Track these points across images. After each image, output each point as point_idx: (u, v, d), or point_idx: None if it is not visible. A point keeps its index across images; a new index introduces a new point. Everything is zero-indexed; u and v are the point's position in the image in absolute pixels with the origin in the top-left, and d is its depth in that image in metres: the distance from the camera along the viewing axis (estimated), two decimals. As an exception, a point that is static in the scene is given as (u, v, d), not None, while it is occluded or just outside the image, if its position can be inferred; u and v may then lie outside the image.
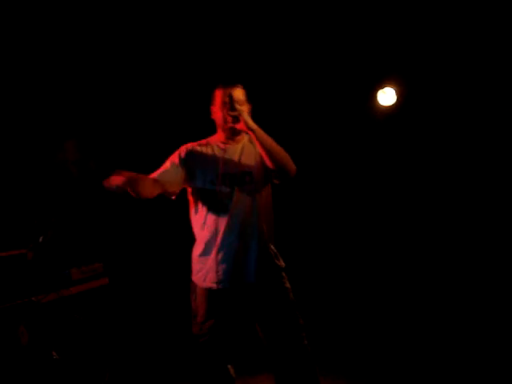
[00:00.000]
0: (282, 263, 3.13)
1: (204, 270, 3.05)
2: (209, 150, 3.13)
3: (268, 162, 2.99)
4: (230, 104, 3.04)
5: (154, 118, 5.39)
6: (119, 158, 4.98)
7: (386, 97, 5.62)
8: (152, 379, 4.44)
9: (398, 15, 5.07)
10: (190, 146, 3.15)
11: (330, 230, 5.89)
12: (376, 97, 5.64)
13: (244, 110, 3.04)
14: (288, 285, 3.11)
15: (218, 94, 3.12)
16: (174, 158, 3.10)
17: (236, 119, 3.02)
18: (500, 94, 5.25)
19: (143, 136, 5.35)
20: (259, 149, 3.00)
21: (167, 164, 3.10)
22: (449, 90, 5.47)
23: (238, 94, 3.11)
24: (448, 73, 5.40)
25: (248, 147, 3.14)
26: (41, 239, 3.83)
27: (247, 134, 3.08)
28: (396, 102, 5.59)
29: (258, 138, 2.97)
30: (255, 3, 4.93)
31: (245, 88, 3.17)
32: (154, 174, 3.05)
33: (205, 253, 3.06)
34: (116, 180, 2.83)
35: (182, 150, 3.13)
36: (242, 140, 3.16)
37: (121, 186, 2.80)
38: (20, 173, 4.72)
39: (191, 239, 3.17)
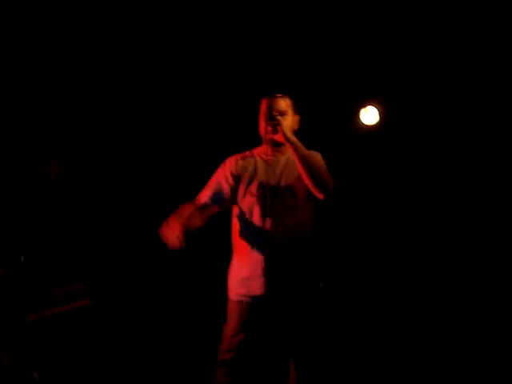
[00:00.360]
0: (321, 284, 3.09)
1: (238, 282, 3.03)
2: (252, 162, 3.10)
3: (303, 176, 2.95)
4: (269, 113, 3.02)
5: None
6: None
7: (369, 116, 5.64)
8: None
9: (380, 34, 5.12)
10: (234, 159, 3.13)
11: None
12: (359, 115, 5.66)
13: (283, 120, 3.00)
14: (323, 309, 3.06)
15: (262, 105, 3.12)
16: (226, 176, 3.08)
17: (274, 129, 2.99)
18: (484, 110, 5.30)
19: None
20: (296, 161, 2.95)
21: (220, 184, 3.07)
22: (432, 107, 5.52)
23: (279, 103, 3.07)
24: (432, 90, 5.45)
25: (293, 161, 3.06)
26: (22, 259, 3.79)
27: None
28: (379, 121, 5.61)
29: (295, 150, 2.92)
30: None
31: (294, 98, 3.17)
32: (206, 199, 3.04)
33: (241, 266, 3.04)
34: (172, 232, 2.80)
35: (231, 164, 3.10)
36: (286, 153, 3.11)
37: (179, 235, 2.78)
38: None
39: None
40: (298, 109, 3.21)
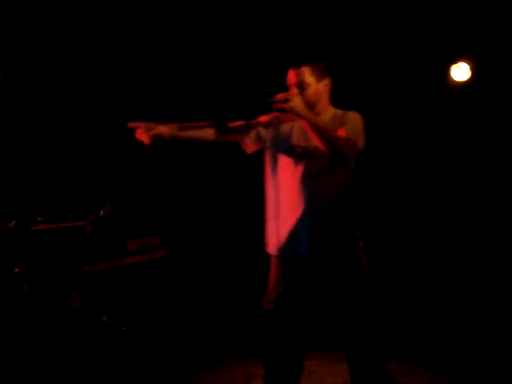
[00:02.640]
0: (361, 242, 3.10)
1: (275, 239, 3.08)
2: (289, 123, 3.15)
3: (321, 147, 2.96)
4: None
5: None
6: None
7: (460, 72, 5.42)
8: (203, 355, 4.54)
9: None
10: (271, 115, 3.17)
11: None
12: (450, 72, 5.45)
13: (292, 97, 2.96)
14: (364, 265, 3.07)
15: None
16: (257, 121, 3.16)
17: (284, 101, 2.96)
18: None
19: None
20: (309, 135, 2.97)
21: (249, 123, 3.16)
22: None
23: (289, 77, 3.10)
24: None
25: (329, 122, 3.09)
26: (101, 213, 3.99)
27: (332, 109, 3.13)
28: (470, 77, 5.38)
29: (309, 124, 2.92)
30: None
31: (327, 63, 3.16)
32: (238, 124, 3.14)
33: (272, 218, 3.10)
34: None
35: (264, 116, 3.17)
36: (320, 114, 3.12)
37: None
38: (83, 147, 4.93)
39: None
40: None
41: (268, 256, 3.16)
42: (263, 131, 3.15)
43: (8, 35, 4.65)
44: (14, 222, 3.50)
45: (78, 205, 4.05)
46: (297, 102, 2.94)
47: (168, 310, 4.15)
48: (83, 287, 3.59)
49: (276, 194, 3.08)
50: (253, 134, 3.15)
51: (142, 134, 2.91)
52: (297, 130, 3.10)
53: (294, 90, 3.07)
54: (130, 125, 2.94)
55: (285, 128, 3.14)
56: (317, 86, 3.09)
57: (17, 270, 3.47)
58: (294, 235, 3.02)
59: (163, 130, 2.96)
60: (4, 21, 4.60)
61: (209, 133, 3.09)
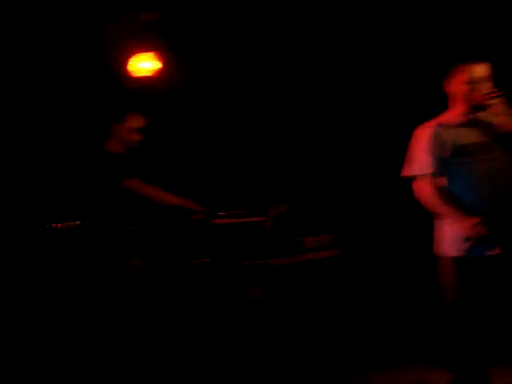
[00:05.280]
0: None
1: (451, 237, 3.13)
2: (450, 124, 3.22)
3: None
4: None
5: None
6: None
7: None
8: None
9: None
10: (431, 126, 3.25)
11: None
12: None
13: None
14: None
15: (463, 71, 3.21)
16: (431, 145, 3.19)
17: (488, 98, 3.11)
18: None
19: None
20: None
21: (431, 152, 3.18)
22: None
23: (487, 70, 3.20)
24: None
25: (490, 117, 3.19)
26: (283, 209, 4.13)
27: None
28: None
29: None
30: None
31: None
32: (429, 180, 3.19)
33: (454, 220, 3.12)
34: None
35: (431, 134, 3.20)
36: (481, 112, 3.21)
37: None
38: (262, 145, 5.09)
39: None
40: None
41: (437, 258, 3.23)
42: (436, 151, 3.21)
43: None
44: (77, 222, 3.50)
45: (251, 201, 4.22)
46: None
47: (338, 307, 4.18)
48: (265, 280, 3.73)
49: (456, 198, 3.12)
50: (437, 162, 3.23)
51: None
52: (463, 132, 3.17)
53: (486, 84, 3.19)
54: None
55: (450, 135, 3.21)
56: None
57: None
58: (486, 235, 3.02)
59: None
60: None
61: None
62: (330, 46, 5.13)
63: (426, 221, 3.40)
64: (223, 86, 5.15)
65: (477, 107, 3.18)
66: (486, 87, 3.15)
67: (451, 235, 3.15)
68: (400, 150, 3.41)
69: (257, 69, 5.19)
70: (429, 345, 4.58)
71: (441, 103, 3.38)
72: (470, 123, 3.20)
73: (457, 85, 3.21)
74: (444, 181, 3.19)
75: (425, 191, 3.20)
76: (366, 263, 5.10)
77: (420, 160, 3.21)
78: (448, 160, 3.15)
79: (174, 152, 5.19)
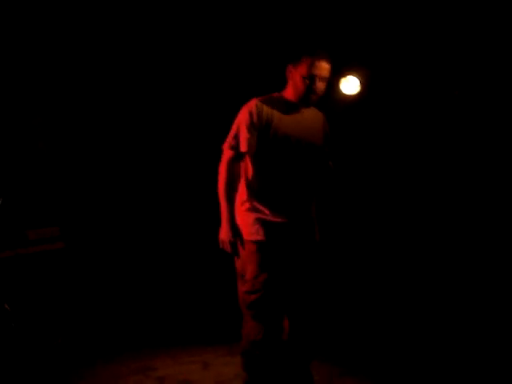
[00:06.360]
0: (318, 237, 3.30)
1: (253, 223, 3.12)
2: (278, 109, 3.16)
3: None
4: (313, 78, 3.10)
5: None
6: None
7: (350, 85, 5.63)
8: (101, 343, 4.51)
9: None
10: (255, 104, 3.14)
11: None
12: (339, 85, 5.65)
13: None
14: (322, 257, 3.29)
15: (307, 63, 3.11)
16: (253, 122, 3.10)
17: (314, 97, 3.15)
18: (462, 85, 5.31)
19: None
20: None
21: (247, 130, 3.10)
22: (412, 79, 5.53)
23: (327, 69, 3.16)
24: (412, 62, 5.46)
25: (313, 117, 3.28)
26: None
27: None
28: (360, 92, 5.60)
29: None
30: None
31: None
32: (245, 147, 3.09)
33: (256, 206, 3.14)
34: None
35: (256, 110, 3.11)
36: (308, 109, 3.26)
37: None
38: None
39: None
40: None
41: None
42: (255, 129, 3.13)
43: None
44: None
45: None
46: None
47: (67, 301, 4.10)
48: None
49: (264, 184, 3.14)
50: (253, 140, 3.14)
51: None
52: (287, 120, 3.16)
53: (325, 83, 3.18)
54: None
55: (274, 117, 3.15)
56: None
57: None
58: (282, 220, 3.13)
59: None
60: None
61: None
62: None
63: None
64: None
65: (304, 102, 3.19)
66: (321, 86, 3.15)
67: (246, 220, 3.17)
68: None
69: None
70: (154, 332, 4.70)
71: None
72: (297, 114, 3.20)
73: (297, 73, 3.12)
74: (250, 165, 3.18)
75: (223, 164, 3.15)
76: (94, 256, 5.05)
77: (236, 134, 3.14)
78: (261, 145, 3.12)
79: None
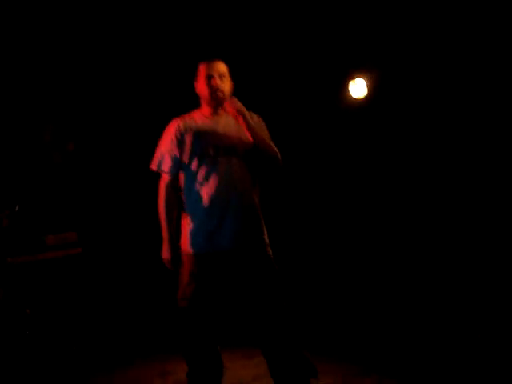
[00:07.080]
0: (267, 239, 3.24)
1: (186, 235, 3.17)
2: (193, 124, 3.22)
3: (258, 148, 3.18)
4: (209, 78, 3.20)
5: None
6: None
7: (358, 88, 5.68)
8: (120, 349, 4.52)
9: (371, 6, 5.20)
10: (176, 123, 3.23)
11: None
12: (347, 88, 5.70)
13: (224, 83, 3.21)
14: (271, 254, 3.21)
15: (201, 68, 3.24)
16: (175, 142, 3.18)
17: (217, 95, 3.17)
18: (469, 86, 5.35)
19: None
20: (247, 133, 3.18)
21: (173, 151, 3.18)
22: (422, 82, 5.56)
23: (220, 66, 3.24)
24: (421, 64, 5.50)
25: (231, 120, 3.24)
26: (17, 208, 3.92)
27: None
28: (367, 94, 5.65)
29: (244, 120, 3.16)
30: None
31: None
32: (172, 170, 3.18)
33: (189, 219, 3.17)
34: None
35: (176, 130, 3.19)
36: (224, 113, 3.26)
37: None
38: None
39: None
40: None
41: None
42: (179, 148, 3.20)
43: None
44: None
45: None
46: (228, 91, 3.20)
47: (83, 307, 4.11)
48: (5, 279, 3.51)
49: (192, 197, 3.18)
50: (178, 160, 3.21)
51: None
52: (206, 131, 3.19)
53: (225, 81, 3.23)
54: None
55: (193, 131, 3.22)
56: (230, 85, 3.29)
57: None
58: (207, 232, 3.14)
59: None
60: None
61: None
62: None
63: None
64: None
65: (217, 104, 3.23)
66: (225, 83, 3.22)
67: (183, 232, 3.22)
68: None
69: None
70: (167, 337, 4.70)
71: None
72: (213, 124, 3.23)
73: (200, 83, 3.24)
74: (181, 180, 3.24)
75: (160, 187, 3.23)
76: (109, 261, 5.07)
77: (161, 155, 3.22)
78: (187, 159, 3.17)
79: None
